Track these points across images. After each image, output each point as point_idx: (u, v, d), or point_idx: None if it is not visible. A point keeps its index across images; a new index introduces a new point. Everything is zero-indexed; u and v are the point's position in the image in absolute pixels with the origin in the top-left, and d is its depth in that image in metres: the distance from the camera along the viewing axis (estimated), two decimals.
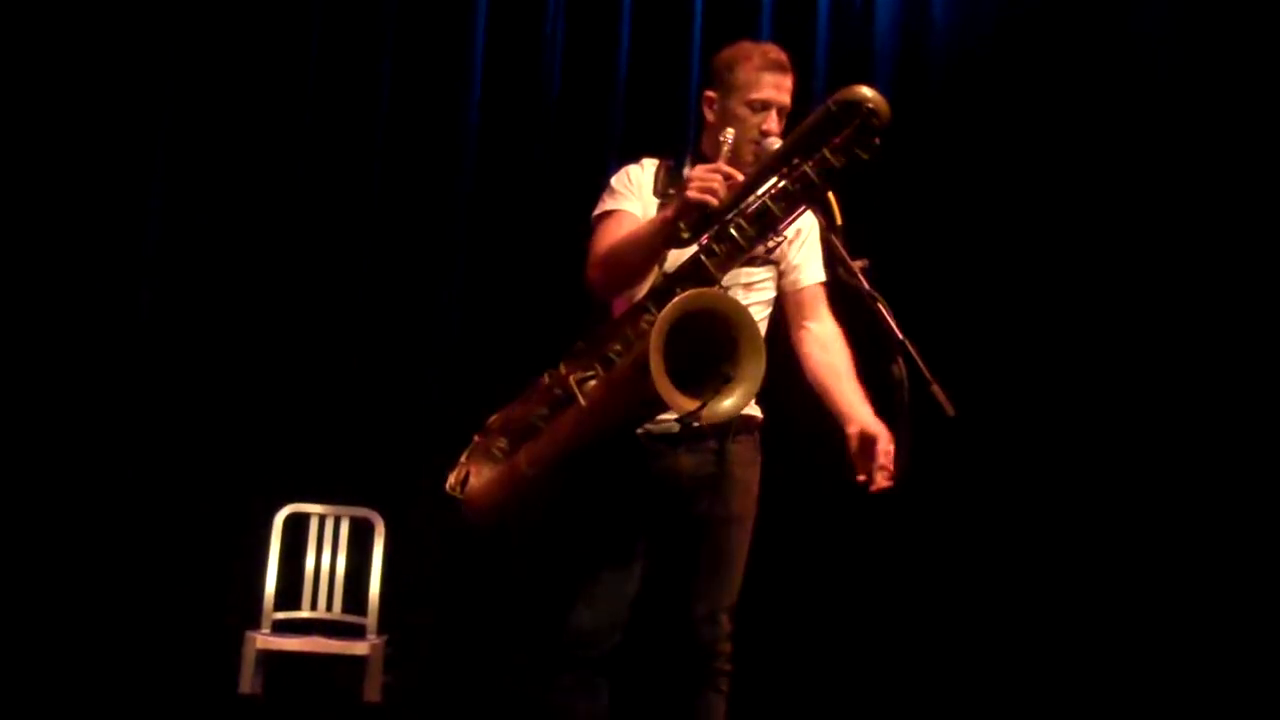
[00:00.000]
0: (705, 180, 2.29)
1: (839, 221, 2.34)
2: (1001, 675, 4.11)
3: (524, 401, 2.45)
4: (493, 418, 2.50)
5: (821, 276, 2.67)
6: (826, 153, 2.28)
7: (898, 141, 2.44)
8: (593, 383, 2.34)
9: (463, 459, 2.49)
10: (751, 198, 2.33)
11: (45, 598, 4.10)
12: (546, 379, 2.43)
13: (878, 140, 2.27)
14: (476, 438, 2.49)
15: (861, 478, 2.42)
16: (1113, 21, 4.38)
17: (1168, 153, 4.24)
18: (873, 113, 2.25)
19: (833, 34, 4.50)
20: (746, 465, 2.60)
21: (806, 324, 2.66)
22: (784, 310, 2.68)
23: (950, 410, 2.11)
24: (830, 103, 2.28)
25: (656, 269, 2.41)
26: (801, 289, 2.66)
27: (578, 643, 2.50)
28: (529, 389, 2.45)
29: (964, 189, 4.32)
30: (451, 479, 2.47)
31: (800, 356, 2.65)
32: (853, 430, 2.46)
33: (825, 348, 2.63)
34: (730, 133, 2.46)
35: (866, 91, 2.27)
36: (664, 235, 2.34)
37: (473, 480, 2.44)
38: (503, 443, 2.45)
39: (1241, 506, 4.05)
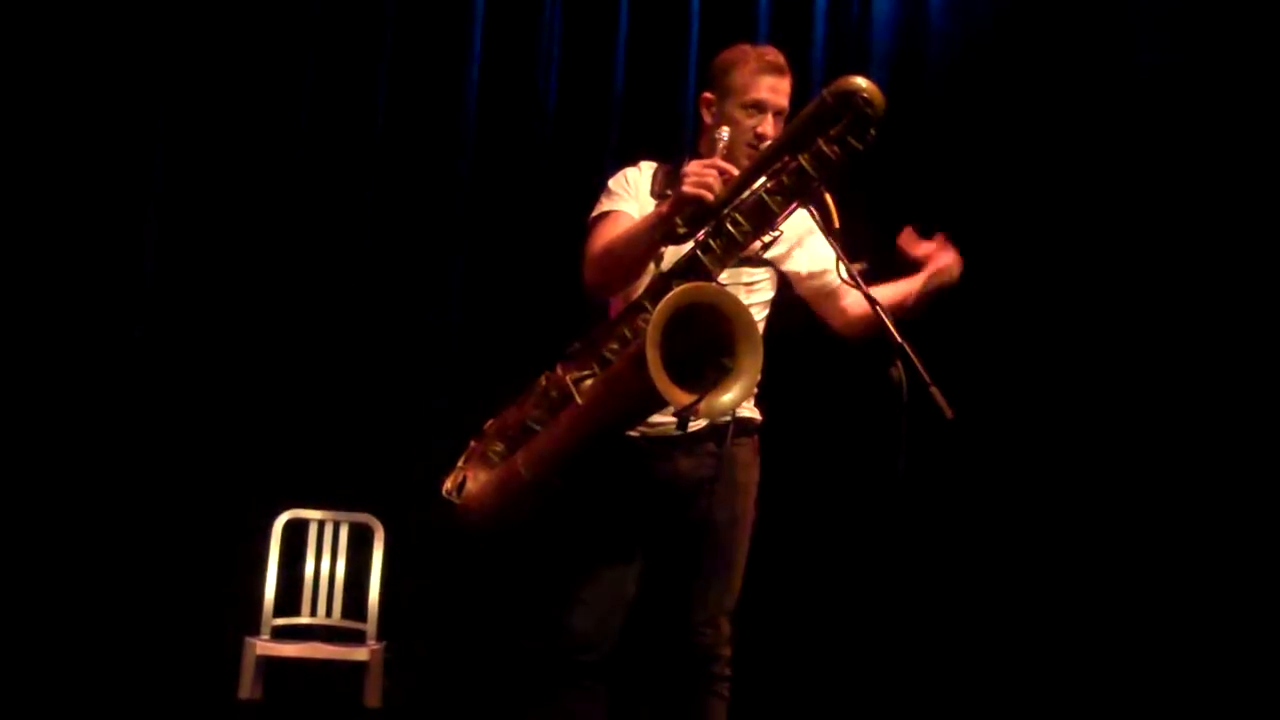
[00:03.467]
0: (700, 175, 2.27)
1: (836, 224, 2.33)
2: (1001, 675, 4.10)
3: (520, 404, 2.44)
4: (489, 422, 2.49)
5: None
6: (822, 144, 2.26)
7: (895, 143, 2.43)
8: (589, 381, 2.33)
9: (460, 463, 2.48)
10: (747, 192, 2.31)
11: (47, 603, 4.09)
12: (543, 381, 2.42)
13: (873, 131, 2.25)
14: (473, 442, 2.48)
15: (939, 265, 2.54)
16: (1109, 22, 4.38)
17: (1165, 153, 4.24)
18: (867, 102, 2.23)
19: (830, 38, 4.51)
20: (746, 468, 2.59)
21: (843, 304, 2.64)
22: (822, 307, 2.67)
23: (949, 413, 2.10)
24: (825, 93, 2.26)
25: (653, 267, 2.38)
26: (837, 286, 2.57)
27: (576, 647, 2.50)
28: (526, 392, 2.44)
29: (961, 190, 4.31)
30: (448, 484, 2.46)
31: (849, 323, 2.63)
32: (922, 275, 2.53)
33: (861, 302, 2.53)
34: (726, 130, 2.45)
35: (861, 81, 2.25)
36: (660, 231, 2.32)
37: (469, 485, 2.43)
38: (499, 446, 2.44)
39: (1240, 507, 4.04)
